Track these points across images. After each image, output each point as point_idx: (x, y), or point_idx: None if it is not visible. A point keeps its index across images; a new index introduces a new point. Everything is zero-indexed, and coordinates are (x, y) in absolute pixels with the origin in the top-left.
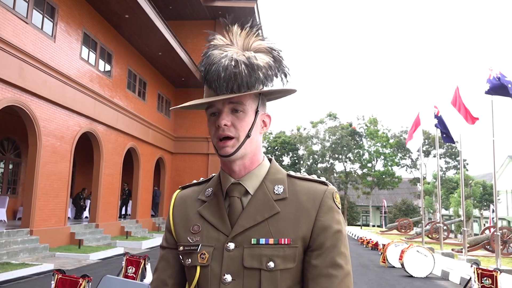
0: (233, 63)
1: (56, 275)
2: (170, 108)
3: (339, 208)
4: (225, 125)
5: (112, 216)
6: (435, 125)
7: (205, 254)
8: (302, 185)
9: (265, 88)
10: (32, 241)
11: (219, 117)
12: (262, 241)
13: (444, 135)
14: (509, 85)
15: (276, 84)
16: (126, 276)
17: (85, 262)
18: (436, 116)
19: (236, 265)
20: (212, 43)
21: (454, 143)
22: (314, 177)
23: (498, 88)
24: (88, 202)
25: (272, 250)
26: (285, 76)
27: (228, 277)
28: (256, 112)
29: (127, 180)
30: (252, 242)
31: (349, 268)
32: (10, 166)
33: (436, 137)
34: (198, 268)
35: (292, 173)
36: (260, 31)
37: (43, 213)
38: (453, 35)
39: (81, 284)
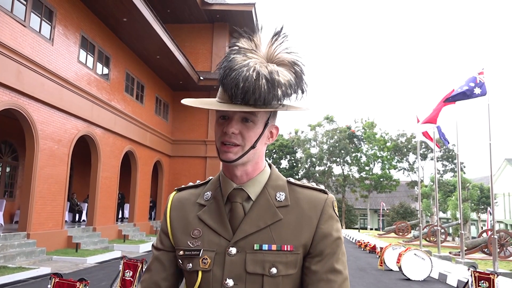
0: (254, 75)
1: (53, 279)
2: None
3: (337, 215)
4: (232, 133)
5: (110, 219)
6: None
7: (207, 259)
8: (303, 193)
9: (280, 107)
10: (29, 244)
11: (229, 124)
12: (265, 247)
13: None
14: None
15: (292, 99)
16: (123, 280)
17: (83, 266)
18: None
19: (238, 270)
20: (236, 45)
21: (448, 143)
22: (313, 184)
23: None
24: (85, 206)
25: (274, 256)
26: (302, 92)
27: (230, 282)
28: (266, 124)
29: (125, 184)
30: (254, 248)
31: (347, 273)
32: (7, 169)
33: (433, 139)
34: (200, 273)
35: (292, 180)
36: (286, 39)
37: (40, 216)
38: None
39: (78, 287)
